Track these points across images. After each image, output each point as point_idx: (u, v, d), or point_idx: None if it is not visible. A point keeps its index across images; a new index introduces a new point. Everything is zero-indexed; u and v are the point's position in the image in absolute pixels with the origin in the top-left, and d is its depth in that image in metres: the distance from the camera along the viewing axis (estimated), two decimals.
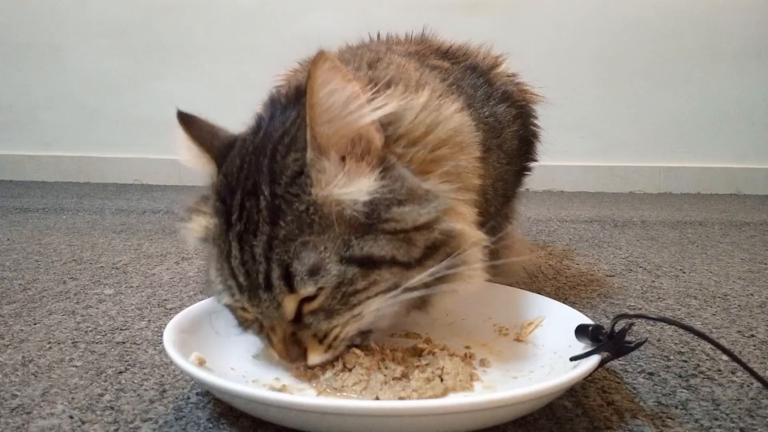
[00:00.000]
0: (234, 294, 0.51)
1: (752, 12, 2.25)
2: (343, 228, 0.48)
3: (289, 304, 0.50)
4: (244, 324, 0.55)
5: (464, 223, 0.53)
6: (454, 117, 0.57)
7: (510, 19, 2.25)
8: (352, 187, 0.48)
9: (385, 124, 0.52)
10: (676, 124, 2.31)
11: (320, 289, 0.49)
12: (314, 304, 0.50)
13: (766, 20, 2.26)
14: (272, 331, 0.52)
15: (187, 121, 0.58)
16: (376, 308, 0.50)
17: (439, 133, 0.54)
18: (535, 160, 0.87)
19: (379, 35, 0.88)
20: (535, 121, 0.85)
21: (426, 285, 0.50)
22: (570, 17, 2.26)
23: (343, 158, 0.50)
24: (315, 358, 0.52)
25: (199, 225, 0.55)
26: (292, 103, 0.53)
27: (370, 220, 0.48)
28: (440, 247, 0.51)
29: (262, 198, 0.49)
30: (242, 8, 2.28)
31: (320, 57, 0.46)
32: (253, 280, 0.49)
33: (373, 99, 0.50)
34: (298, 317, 0.51)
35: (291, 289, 0.48)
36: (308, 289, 0.48)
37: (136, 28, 2.32)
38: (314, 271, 0.48)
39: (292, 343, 0.52)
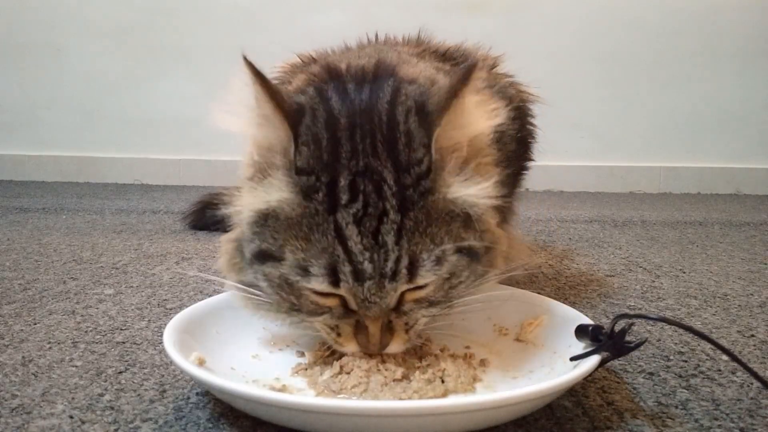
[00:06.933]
0: (345, 280, 0.48)
1: (752, 12, 2.25)
2: (458, 222, 0.51)
3: (398, 293, 0.50)
4: (315, 311, 0.52)
5: (494, 223, 0.55)
6: None
7: (510, 19, 2.25)
8: (473, 189, 0.51)
9: None
10: (676, 124, 2.31)
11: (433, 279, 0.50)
12: (420, 293, 0.51)
13: (766, 20, 2.25)
14: (371, 321, 0.51)
15: (258, 72, 0.50)
16: (463, 299, 0.53)
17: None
18: (532, 160, 0.87)
19: (377, 36, 0.88)
20: (532, 121, 0.85)
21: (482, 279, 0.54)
22: (570, 17, 2.26)
23: (466, 160, 0.52)
24: (398, 346, 0.53)
25: (260, 198, 0.50)
26: (369, 83, 0.53)
27: (475, 216, 0.51)
28: (492, 246, 0.54)
29: (386, 186, 0.48)
30: (242, 8, 2.28)
31: (476, 66, 0.49)
32: (380, 267, 0.48)
33: (494, 109, 0.53)
34: (397, 305, 0.51)
35: (411, 278, 0.49)
36: (427, 279, 0.50)
37: (136, 28, 2.31)
38: (438, 262, 0.49)
39: (386, 331, 0.52)
